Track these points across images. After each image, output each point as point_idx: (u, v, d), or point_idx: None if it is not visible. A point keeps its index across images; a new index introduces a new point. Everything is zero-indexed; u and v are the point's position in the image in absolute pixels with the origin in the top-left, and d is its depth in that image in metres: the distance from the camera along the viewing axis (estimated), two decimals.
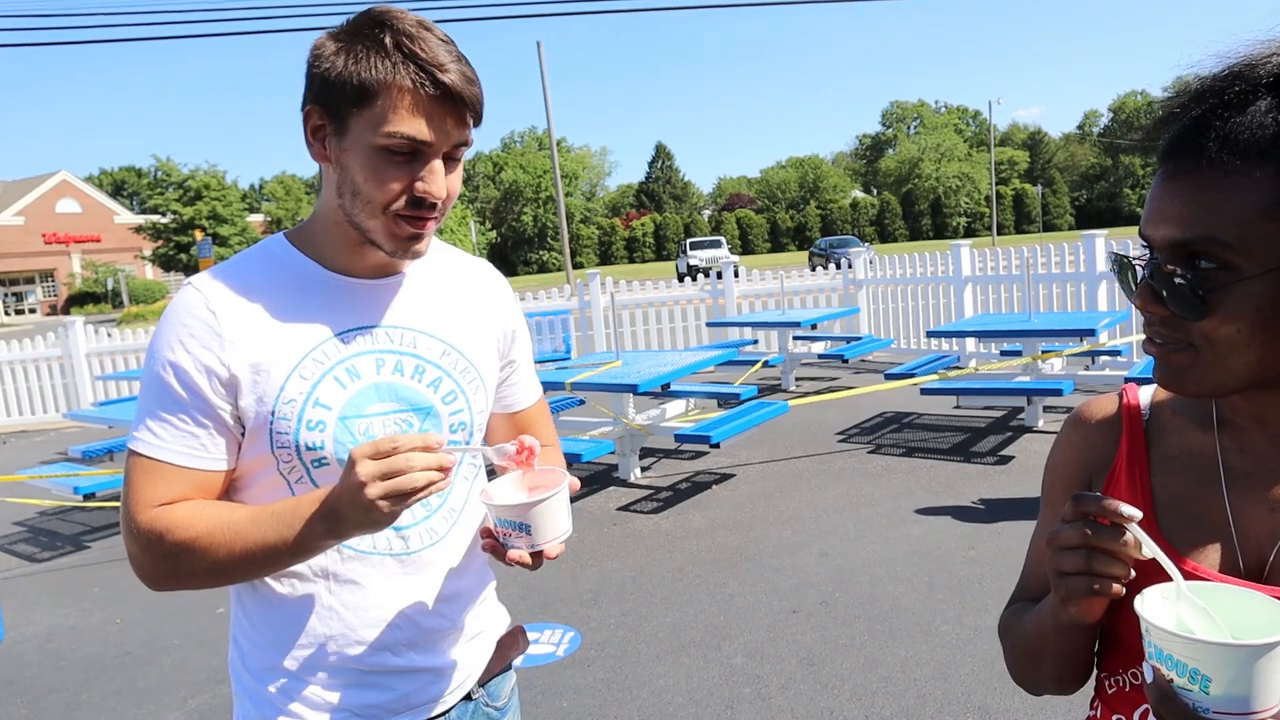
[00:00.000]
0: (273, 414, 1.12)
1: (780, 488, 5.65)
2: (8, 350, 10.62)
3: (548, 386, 6.15)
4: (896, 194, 73.43)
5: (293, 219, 53.80)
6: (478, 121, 1.13)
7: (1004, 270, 9.55)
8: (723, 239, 42.74)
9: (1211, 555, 0.86)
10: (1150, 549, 0.77)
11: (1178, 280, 0.79)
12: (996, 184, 62.65)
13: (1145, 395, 1.01)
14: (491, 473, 1.27)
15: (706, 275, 11.37)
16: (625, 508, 5.47)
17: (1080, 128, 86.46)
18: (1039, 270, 9.26)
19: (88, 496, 5.63)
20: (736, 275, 11.19)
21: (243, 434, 1.14)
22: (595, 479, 6.11)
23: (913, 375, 7.05)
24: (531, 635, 3.73)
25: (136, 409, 1.15)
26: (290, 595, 1.18)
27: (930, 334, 7.10)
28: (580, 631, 3.78)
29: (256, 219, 53.66)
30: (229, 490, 1.19)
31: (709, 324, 10.38)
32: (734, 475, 5.98)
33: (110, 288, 49.45)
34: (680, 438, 5.54)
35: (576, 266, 56.35)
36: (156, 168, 49.38)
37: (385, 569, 1.20)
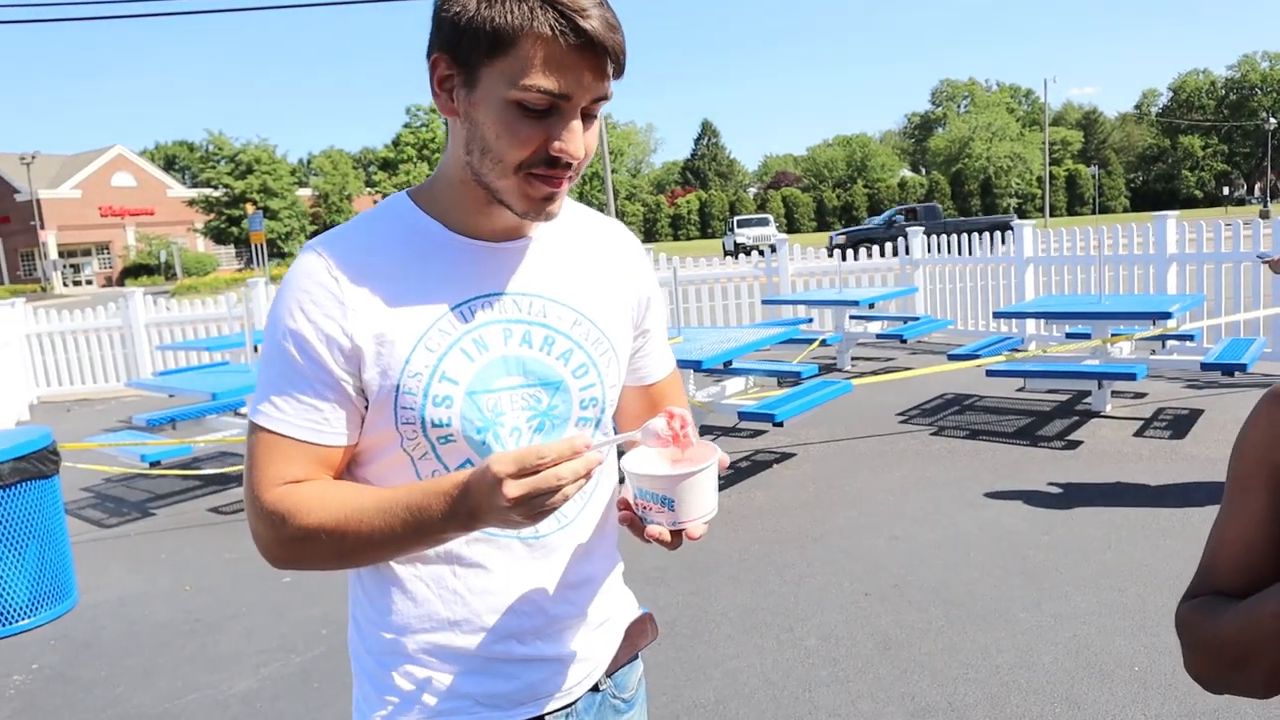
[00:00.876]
0: (397, 388, 1.06)
1: (843, 468, 5.56)
2: (70, 320, 10.83)
3: None
4: (946, 174, 72.25)
5: (340, 193, 54.41)
6: (619, 73, 1.02)
7: (1067, 251, 9.31)
8: (770, 217, 42.40)
9: None
10: None
11: None
12: (1050, 164, 61.31)
13: None
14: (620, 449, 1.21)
15: (750, 253, 11.25)
16: None
17: (1138, 107, 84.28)
18: (1105, 253, 9.01)
19: (154, 464, 5.71)
20: (791, 253, 11.04)
21: (366, 407, 1.08)
22: None
23: (977, 356, 6.90)
24: None
25: (258, 380, 1.10)
26: (413, 576, 1.13)
27: (997, 314, 6.94)
28: (649, 609, 3.74)
29: (305, 193, 54.28)
30: (350, 465, 1.14)
31: (764, 301, 10.27)
32: (795, 454, 5.90)
33: (163, 260, 50.38)
34: (744, 415, 5.47)
35: None
36: (209, 142, 50.14)
37: (512, 553, 1.13)
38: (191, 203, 50.45)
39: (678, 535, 1.04)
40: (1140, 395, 6.89)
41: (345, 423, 1.08)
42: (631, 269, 1.25)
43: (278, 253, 47.51)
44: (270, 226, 44.73)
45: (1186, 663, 0.97)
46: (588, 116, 1.04)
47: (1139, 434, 5.86)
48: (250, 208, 36.67)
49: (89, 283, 53.57)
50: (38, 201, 49.88)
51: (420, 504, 1.00)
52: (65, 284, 52.00)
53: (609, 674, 1.25)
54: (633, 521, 1.06)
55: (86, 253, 54.22)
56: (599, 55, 0.98)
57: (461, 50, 1.00)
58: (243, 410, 7.00)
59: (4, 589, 4.07)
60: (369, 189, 58.25)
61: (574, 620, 1.19)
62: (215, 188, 47.89)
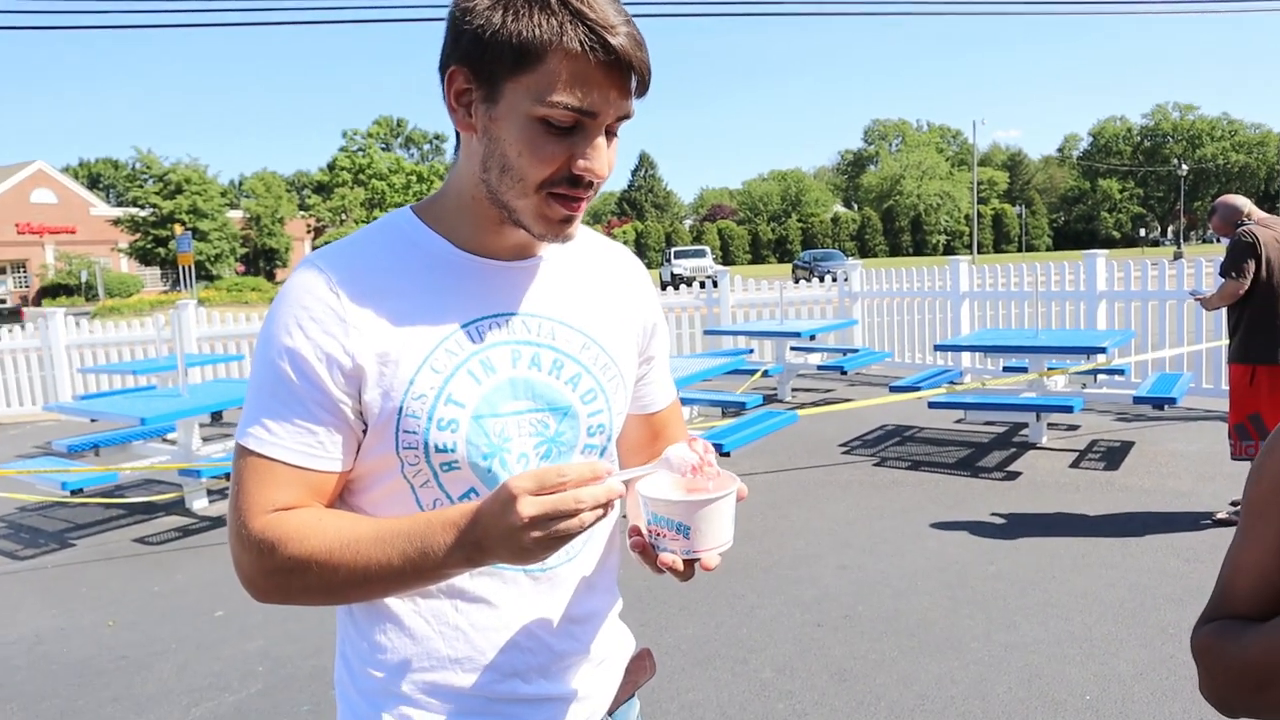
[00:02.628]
0: (400, 410, 0.99)
1: (789, 498, 5.55)
2: None
3: None
4: (877, 210, 73.97)
5: (272, 216, 53.41)
6: (643, 90, 0.98)
7: (1002, 287, 9.54)
8: (707, 249, 42.79)
9: None
10: None
11: None
12: (977, 203, 63.19)
13: None
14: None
15: (690, 284, 11.29)
16: None
17: (1060, 150, 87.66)
18: (1039, 288, 9.26)
19: (75, 492, 5.43)
20: (731, 284, 11.12)
21: (364, 431, 1.02)
22: None
23: (918, 389, 6.99)
24: None
25: (247, 400, 1.02)
26: (411, 612, 1.05)
27: (938, 347, 7.05)
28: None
29: (236, 215, 53.15)
30: (344, 493, 1.06)
31: (706, 332, 10.30)
32: None
33: (84, 280, 48.68)
34: None
35: None
36: (137, 160, 48.83)
37: (518, 586, 1.07)
38: (117, 222, 48.94)
39: (691, 565, 0.99)
40: (1074, 427, 7.05)
41: (341, 448, 1.01)
42: (638, 295, 1.21)
43: (206, 275, 46.34)
44: (199, 248, 43.58)
45: (1203, 686, 0.95)
46: (610, 135, 1.00)
47: (1074, 465, 5.99)
48: (179, 228, 35.71)
49: (3, 302, 51.52)
50: None
51: (422, 533, 0.93)
52: None
53: (610, 712, 1.20)
54: (644, 548, 1.01)
55: (1, 270, 52.17)
56: (626, 73, 0.95)
57: (484, 64, 0.95)
58: (171, 436, 6.74)
59: None
60: (302, 212, 57.29)
61: (578, 657, 1.13)
62: (142, 207, 46.57)
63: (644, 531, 1.01)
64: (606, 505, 0.89)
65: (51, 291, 49.34)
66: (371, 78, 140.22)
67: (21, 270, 52.52)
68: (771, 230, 73.00)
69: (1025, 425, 6.91)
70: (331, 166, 58.37)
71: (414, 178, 56.15)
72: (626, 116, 0.99)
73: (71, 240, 52.67)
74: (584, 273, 1.15)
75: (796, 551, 4.62)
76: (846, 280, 10.90)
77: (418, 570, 0.95)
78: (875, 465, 6.25)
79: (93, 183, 74.76)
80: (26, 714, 3.41)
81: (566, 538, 0.88)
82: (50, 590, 4.75)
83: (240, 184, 68.38)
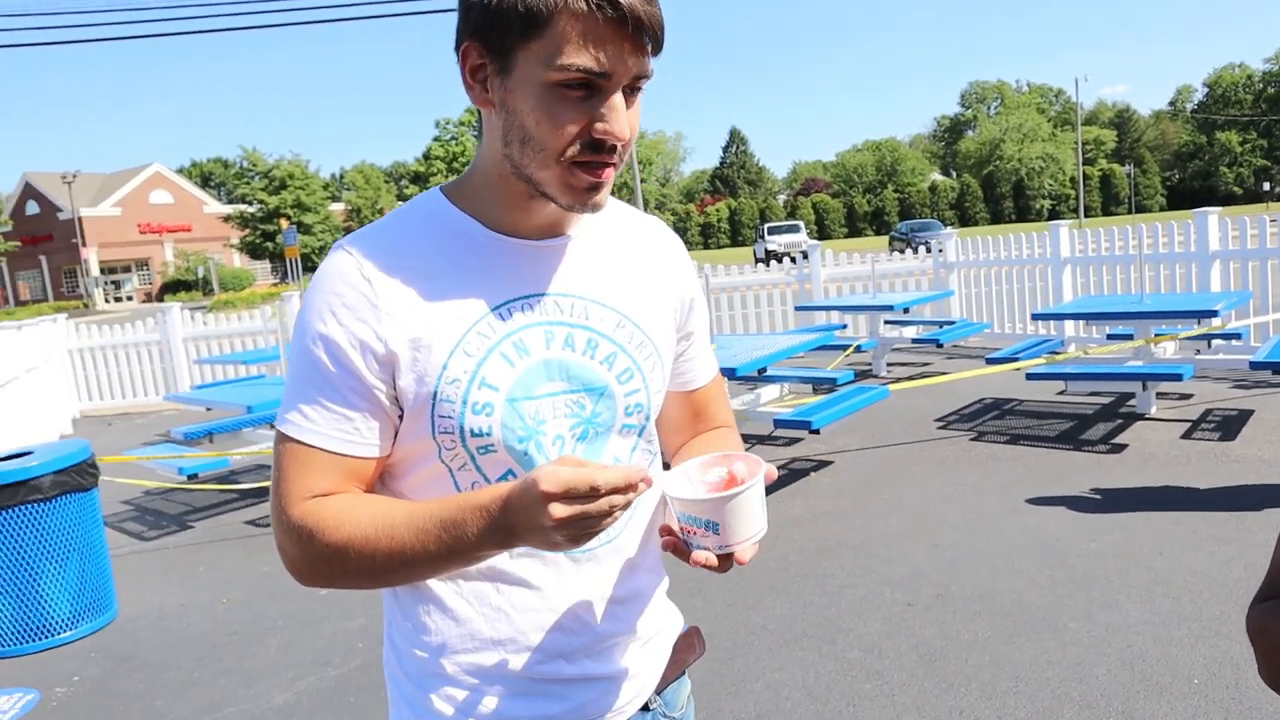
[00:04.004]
0: (434, 395, 1.00)
1: (882, 475, 5.46)
2: (110, 335, 10.98)
3: None
4: (977, 176, 71.62)
5: (372, 207, 54.95)
6: (658, 49, 0.96)
7: (1105, 251, 9.13)
8: (800, 223, 42.16)
9: None
10: None
11: None
12: (1083, 164, 60.52)
13: None
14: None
15: (781, 260, 11.15)
16: None
17: (1172, 104, 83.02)
18: (1145, 251, 8.84)
19: (191, 477, 5.74)
20: (823, 259, 10.94)
21: (400, 417, 1.03)
22: None
23: (1015, 360, 6.77)
24: None
25: (285, 388, 1.05)
26: (454, 594, 1.07)
27: (1035, 316, 6.80)
28: (687, 623, 3.68)
29: (338, 207, 54.87)
30: (384, 478, 1.09)
31: (798, 308, 10.18)
32: (832, 462, 5.81)
33: (200, 275, 51.09)
34: (780, 423, 5.40)
35: None
36: (243, 158, 50.80)
37: (559, 568, 1.07)
38: (227, 219, 51.15)
39: (726, 559, 0.99)
40: (1186, 396, 6.72)
41: (378, 433, 1.03)
42: (673, 269, 1.19)
43: (312, 267, 48.00)
44: (304, 241, 45.17)
45: (1261, 669, 0.91)
46: (631, 96, 0.98)
47: (1186, 436, 5.72)
48: (284, 223, 37.07)
49: (129, 298, 54.46)
50: (79, 219, 50.82)
51: (455, 518, 0.95)
52: (106, 300, 52.89)
53: (658, 692, 1.20)
54: (677, 546, 1.01)
55: (126, 269, 55.13)
56: (637, 30, 0.93)
57: (494, 35, 0.95)
58: None
59: (46, 601, 4.10)
60: (401, 202, 58.65)
61: (623, 637, 1.14)
62: (250, 203, 48.51)
63: (675, 530, 1.01)
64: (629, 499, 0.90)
65: (172, 287, 51.99)
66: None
67: (145, 268, 55.42)
68: (867, 202, 71.45)
69: (1132, 396, 6.63)
70: (426, 156, 59.71)
71: None
72: (644, 76, 0.97)
73: (188, 238, 55.35)
74: (617, 249, 1.14)
75: (888, 529, 4.55)
76: (941, 251, 10.61)
77: (452, 553, 0.97)
78: (972, 440, 6.09)
79: (204, 181, 78.15)
80: (151, 682, 3.64)
81: (597, 533, 0.90)
82: (172, 569, 5.03)
83: (341, 177, 70.47)
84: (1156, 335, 6.55)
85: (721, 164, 79.73)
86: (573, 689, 1.10)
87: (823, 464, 5.80)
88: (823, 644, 3.40)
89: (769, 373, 6.01)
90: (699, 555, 0.98)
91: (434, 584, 1.08)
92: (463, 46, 0.99)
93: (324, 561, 1.01)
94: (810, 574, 4.07)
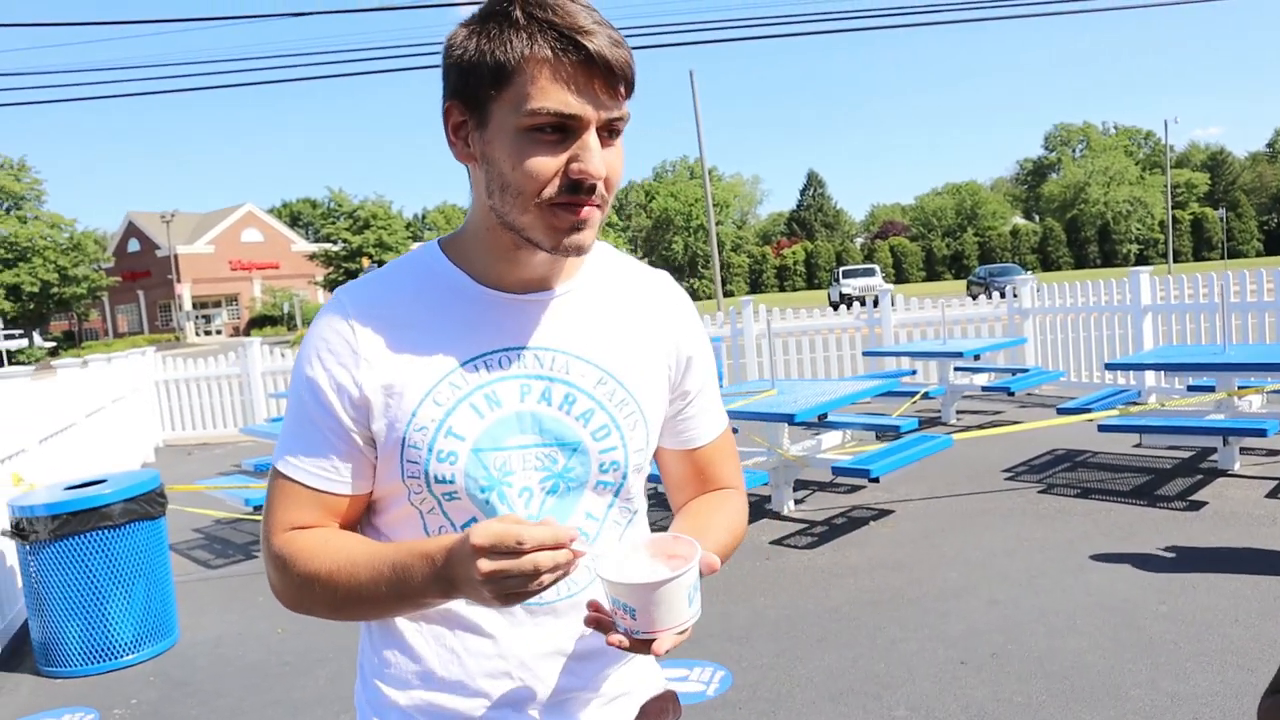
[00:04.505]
0: (403, 441, 1.04)
1: (943, 526, 5.32)
2: (194, 367, 11.41)
3: None
4: (1060, 220, 70.04)
5: None
6: (629, 90, 0.99)
7: (1189, 299, 8.82)
8: (876, 267, 41.77)
9: None
10: None
11: None
12: (1173, 208, 58.73)
13: None
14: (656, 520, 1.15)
15: (859, 303, 11.02)
16: (778, 541, 5.27)
17: (1270, 145, 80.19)
18: (1231, 299, 8.51)
19: (257, 509, 5.89)
20: (894, 303, 10.80)
21: (376, 458, 1.07)
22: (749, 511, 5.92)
23: (1089, 410, 6.56)
24: (680, 672, 3.61)
25: (282, 425, 1.11)
26: (415, 632, 1.10)
27: (1109, 366, 6.59)
28: (731, 670, 3.62)
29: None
30: (368, 514, 1.13)
31: (865, 353, 10.05)
32: (893, 511, 5.69)
33: (286, 311, 52.85)
34: (837, 470, 5.31)
35: (727, 295, 56.29)
36: (329, 198, 52.62)
37: (514, 617, 1.08)
38: (312, 257, 52.90)
39: (643, 644, 0.95)
40: (1273, 453, 6.41)
41: (353, 472, 1.07)
42: (670, 325, 1.18)
43: None
44: None
45: None
46: (607, 136, 1.00)
47: (1272, 495, 5.44)
48: (365, 261, 38.16)
49: (219, 332, 56.57)
50: (175, 256, 53.20)
51: (405, 563, 0.98)
52: (197, 333, 55.06)
53: None
54: (600, 622, 0.98)
55: (217, 304, 57.38)
56: (607, 72, 0.96)
57: (469, 91, 0.99)
58: None
59: (111, 625, 4.23)
60: None
61: (580, 693, 1.12)
62: (334, 242, 50.12)
63: (604, 609, 0.99)
64: (567, 567, 0.90)
65: (259, 322, 53.88)
66: None
67: (234, 303, 57.61)
68: (946, 246, 70.40)
69: (1213, 451, 6.34)
70: None
71: None
72: (620, 118, 0.99)
73: (276, 275, 57.43)
74: (608, 304, 1.14)
75: (946, 583, 4.42)
76: (1016, 296, 10.37)
77: (400, 597, 0.99)
78: (1040, 493, 5.89)
79: (293, 221, 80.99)
80: (204, 709, 3.72)
81: (525, 595, 0.90)
82: (233, 597, 5.16)
83: (423, 217, 72.40)
84: (1240, 388, 6.28)
85: (799, 206, 79.58)
86: None
87: (883, 513, 5.67)
88: (869, 700, 3.30)
89: (831, 419, 5.93)
90: (613, 638, 0.95)
91: (400, 621, 1.10)
92: (445, 107, 1.03)
93: (297, 589, 1.05)
94: (862, 626, 3.97)
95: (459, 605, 1.07)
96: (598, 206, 1.01)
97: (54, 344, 45.19)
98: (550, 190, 0.98)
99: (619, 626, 0.96)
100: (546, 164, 0.97)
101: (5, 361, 34.07)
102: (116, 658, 4.26)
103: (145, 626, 4.34)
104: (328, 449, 1.05)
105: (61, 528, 4.11)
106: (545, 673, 1.09)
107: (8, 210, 45.45)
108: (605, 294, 1.15)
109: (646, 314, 1.17)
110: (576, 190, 0.98)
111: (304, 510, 1.06)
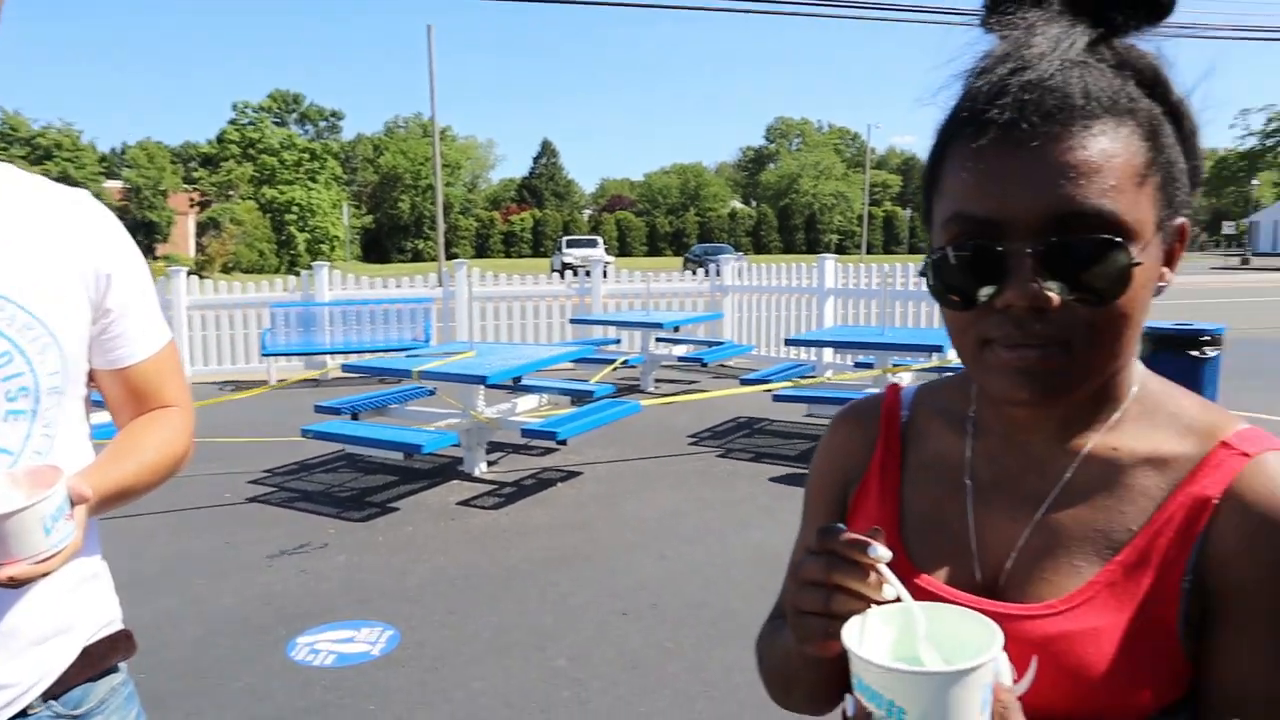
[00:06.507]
0: None
1: (626, 488, 5.58)
2: None
3: (395, 373, 5.92)
4: (774, 207, 75.26)
5: (154, 188, 51.02)
6: None
7: (865, 285, 9.81)
8: (599, 239, 42.81)
9: (950, 569, 0.80)
10: (894, 588, 0.65)
11: (1107, 254, 0.66)
12: (870, 204, 64.98)
13: (908, 395, 0.95)
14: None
15: (577, 273, 11.25)
16: (465, 502, 5.29)
17: None
18: (897, 287, 9.57)
19: None
20: (605, 275, 11.12)
21: None
22: (438, 472, 5.90)
23: (767, 381, 7.12)
24: (347, 633, 3.55)
25: None
26: None
27: (788, 342, 7.22)
28: (400, 630, 3.60)
29: (115, 185, 50.60)
30: None
31: (572, 321, 10.28)
32: (580, 474, 5.88)
33: None
34: (527, 432, 5.41)
35: (451, 258, 55.30)
36: (2, 121, 46.01)
37: None
38: None
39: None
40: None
41: None
42: (84, 243, 1.14)
43: None
44: None
45: (763, 683, 0.96)
46: None
47: None
48: None
49: None
50: None
51: None
52: None
53: (54, 695, 1.11)
54: None
55: None
56: None
57: None
58: None
59: None
60: (187, 185, 54.87)
61: None
62: None
63: None
64: None
65: None
66: (268, 49, 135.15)
67: None
68: (669, 223, 73.40)
69: None
70: (220, 139, 56.11)
71: (306, 155, 54.36)
72: None
73: None
74: (7, 226, 1.09)
75: (622, 541, 4.64)
76: (719, 274, 11.04)
77: None
78: (719, 456, 6.34)
79: None
80: None
81: None
82: None
83: (122, 152, 65.04)
84: (894, 365, 7.08)
85: (531, 174, 79.65)
86: None
87: (571, 475, 5.85)
88: (532, 651, 3.41)
89: (527, 382, 6.02)
90: None
91: None
92: None
93: None
94: (535, 583, 4.08)
95: None
96: None
97: None
98: None
99: None
100: None
101: None
102: None
103: None
104: None
105: None
106: None
107: None
108: (4, 216, 1.09)
109: (56, 233, 1.12)
110: None
111: None
